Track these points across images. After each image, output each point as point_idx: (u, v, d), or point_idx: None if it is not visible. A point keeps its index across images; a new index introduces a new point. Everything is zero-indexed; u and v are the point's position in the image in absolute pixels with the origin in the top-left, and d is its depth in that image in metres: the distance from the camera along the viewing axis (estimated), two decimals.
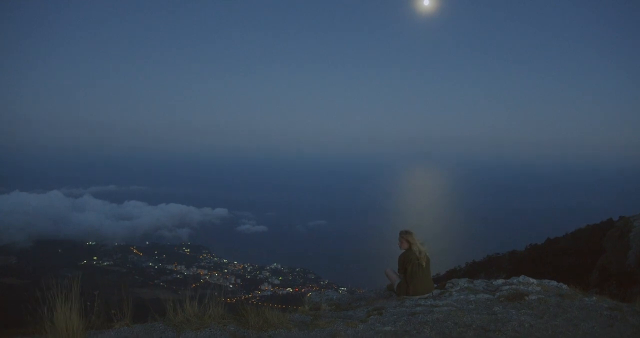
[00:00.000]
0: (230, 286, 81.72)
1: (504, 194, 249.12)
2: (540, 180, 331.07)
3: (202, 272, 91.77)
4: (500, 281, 8.46)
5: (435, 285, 8.20)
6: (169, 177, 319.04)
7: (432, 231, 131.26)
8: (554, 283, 8.27)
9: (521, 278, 8.30)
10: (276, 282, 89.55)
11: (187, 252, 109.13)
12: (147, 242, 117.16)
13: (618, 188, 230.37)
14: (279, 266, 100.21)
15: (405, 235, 7.83)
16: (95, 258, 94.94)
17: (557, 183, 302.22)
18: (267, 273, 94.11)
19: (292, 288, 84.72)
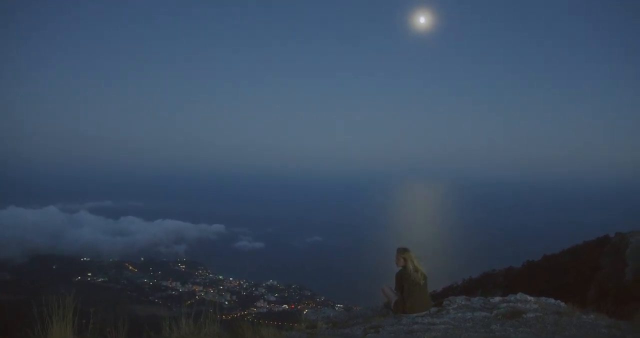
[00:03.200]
0: (226, 303, 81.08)
1: (499, 210, 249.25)
2: (536, 196, 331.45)
3: (197, 288, 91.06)
4: (497, 298, 8.42)
5: (432, 303, 8.16)
6: (165, 192, 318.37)
7: (428, 247, 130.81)
8: (551, 300, 8.24)
9: (518, 295, 8.25)
10: (272, 298, 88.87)
11: (183, 268, 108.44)
12: (142, 258, 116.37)
13: (614, 204, 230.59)
14: (275, 283, 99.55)
15: (402, 252, 7.82)
16: (89, 274, 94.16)
17: (553, 199, 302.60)
18: (263, 290, 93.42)
19: (288, 305, 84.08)
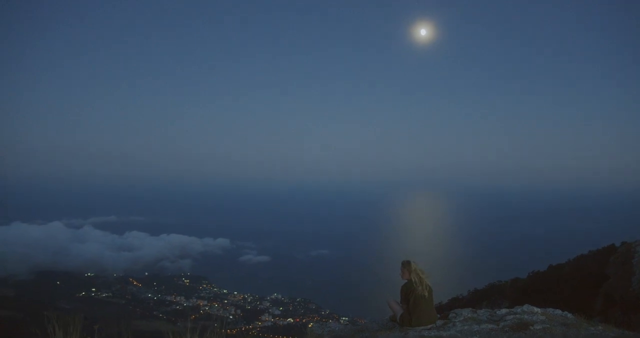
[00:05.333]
0: (231, 317, 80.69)
1: (505, 221, 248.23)
2: (541, 206, 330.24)
3: (201, 302, 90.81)
4: (504, 310, 8.35)
5: (438, 316, 8.10)
6: (170, 207, 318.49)
7: (433, 259, 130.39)
8: (558, 312, 8.16)
9: (525, 307, 8.18)
10: (277, 312, 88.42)
11: (187, 282, 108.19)
12: (146, 273, 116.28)
13: (619, 213, 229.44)
14: (280, 296, 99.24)
15: (406, 265, 7.78)
16: (94, 289, 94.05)
17: (558, 209, 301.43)
18: (268, 304, 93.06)
19: (293, 319, 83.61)
